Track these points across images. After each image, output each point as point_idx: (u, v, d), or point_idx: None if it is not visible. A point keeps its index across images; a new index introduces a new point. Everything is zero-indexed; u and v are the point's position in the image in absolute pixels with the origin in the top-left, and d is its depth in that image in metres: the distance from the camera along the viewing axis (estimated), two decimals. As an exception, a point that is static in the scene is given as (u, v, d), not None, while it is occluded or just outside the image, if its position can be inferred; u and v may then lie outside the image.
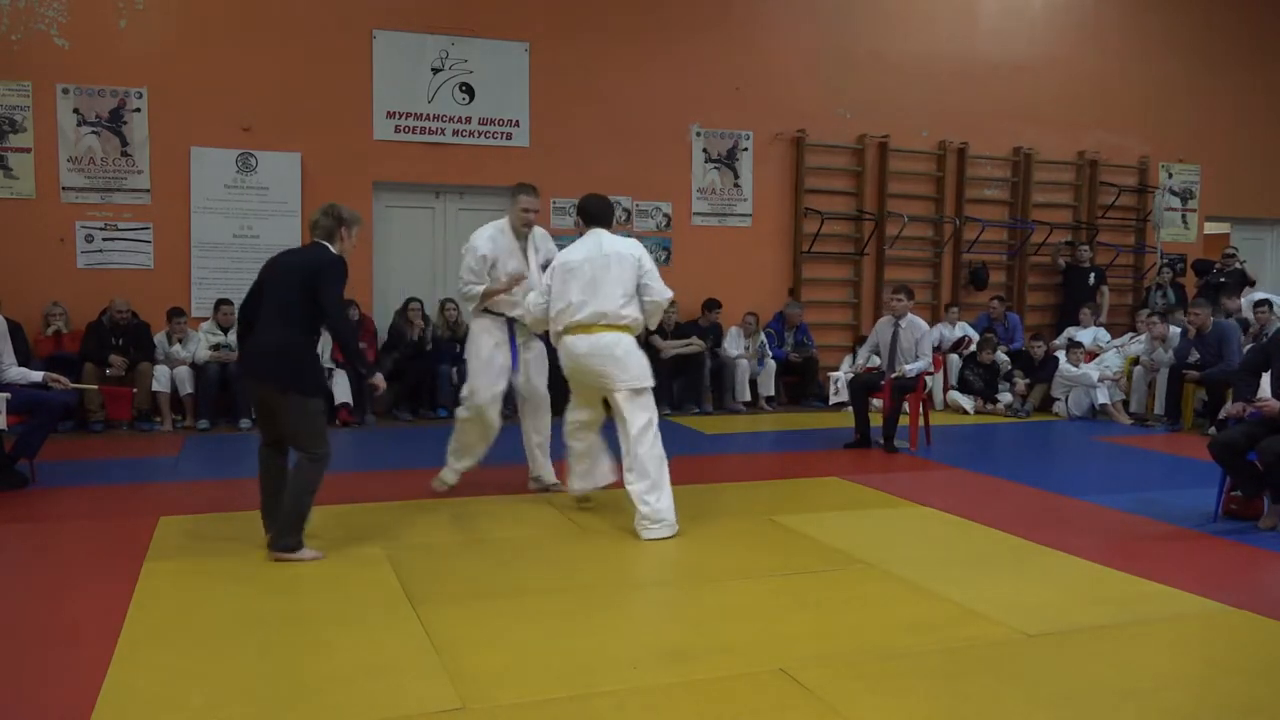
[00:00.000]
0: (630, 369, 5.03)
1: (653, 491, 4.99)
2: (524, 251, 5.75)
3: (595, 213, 5.27)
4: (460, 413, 5.79)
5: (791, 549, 4.86)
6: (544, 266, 5.52)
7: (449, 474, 5.86)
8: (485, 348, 5.68)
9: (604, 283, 5.02)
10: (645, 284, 5.10)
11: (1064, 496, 6.11)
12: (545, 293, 5.22)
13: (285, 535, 4.40)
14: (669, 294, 5.20)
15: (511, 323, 5.72)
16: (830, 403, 8.90)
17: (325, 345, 8.85)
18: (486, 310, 5.71)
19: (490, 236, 5.70)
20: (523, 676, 3.23)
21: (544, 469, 5.99)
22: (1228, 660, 3.51)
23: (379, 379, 4.76)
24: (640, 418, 5.05)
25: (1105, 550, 4.78)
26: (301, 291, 4.40)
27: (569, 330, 5.08)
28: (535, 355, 5.88)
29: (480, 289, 5.62)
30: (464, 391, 5.78)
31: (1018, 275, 11.63)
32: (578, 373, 5.16)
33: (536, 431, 5.92)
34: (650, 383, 5.13)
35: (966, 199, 11.28)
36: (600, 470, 5.50)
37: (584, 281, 5.03)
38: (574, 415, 5.38)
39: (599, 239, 5.17)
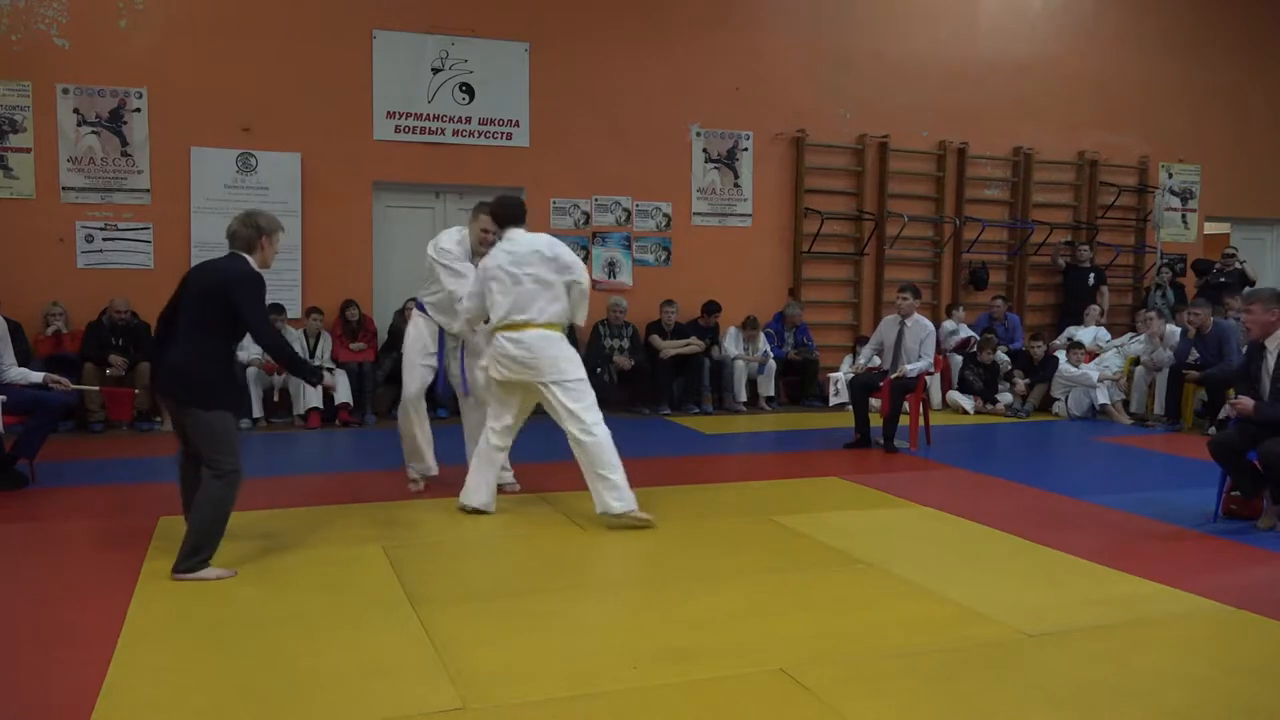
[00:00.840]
0: (560, 364, 5.13)
1: (616, 471, 5.08)
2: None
3: (506, 214, 5.33)
4: (398, 411, 5.94)
5: (791, 549, 4.86)
6: None
7: (412, 472, 5.98)
8: (415, 345, 5.83)
9: (524, 282, 5.11)
10: (569, 277, 5.20)
11: (1064, 496, 6.11)
12: (473, 297, 5.31)
13: (190, 555, 4.14)
14: (588, 279, 5.36)
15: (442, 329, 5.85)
16: (830, 403, 8.91)
17: (326, 347, 8.90)
18: (425, 311, 5.84)
19: (459, 241, 5.72)
20: (523, 676, 3.23)
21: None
22: (1228, 660, 3.51)
23: (329, 379, 4.69)
24: (581, 407, 5.12)
25: (1105, 550, 4.78)
26: (212, 306, 4.23)
27: (500, 328, 5.18)
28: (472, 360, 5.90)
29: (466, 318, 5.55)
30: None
31: (1018, 275, 11.63)
32: (507, 373, 5.22)
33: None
34: (581, 374, 5.21)
35: (966, 199, 11.28)
36: (503, 478, 5.73)
37: (506, 284, 5.13)
38: (498, 422, 5.38)
39: (514, 240, 5.25)
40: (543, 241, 5.25)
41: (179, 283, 4.47)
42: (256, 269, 4.37)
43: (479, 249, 5.61)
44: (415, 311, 5.96)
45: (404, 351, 5.96)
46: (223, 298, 4.20)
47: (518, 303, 5.11)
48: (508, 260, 5.17)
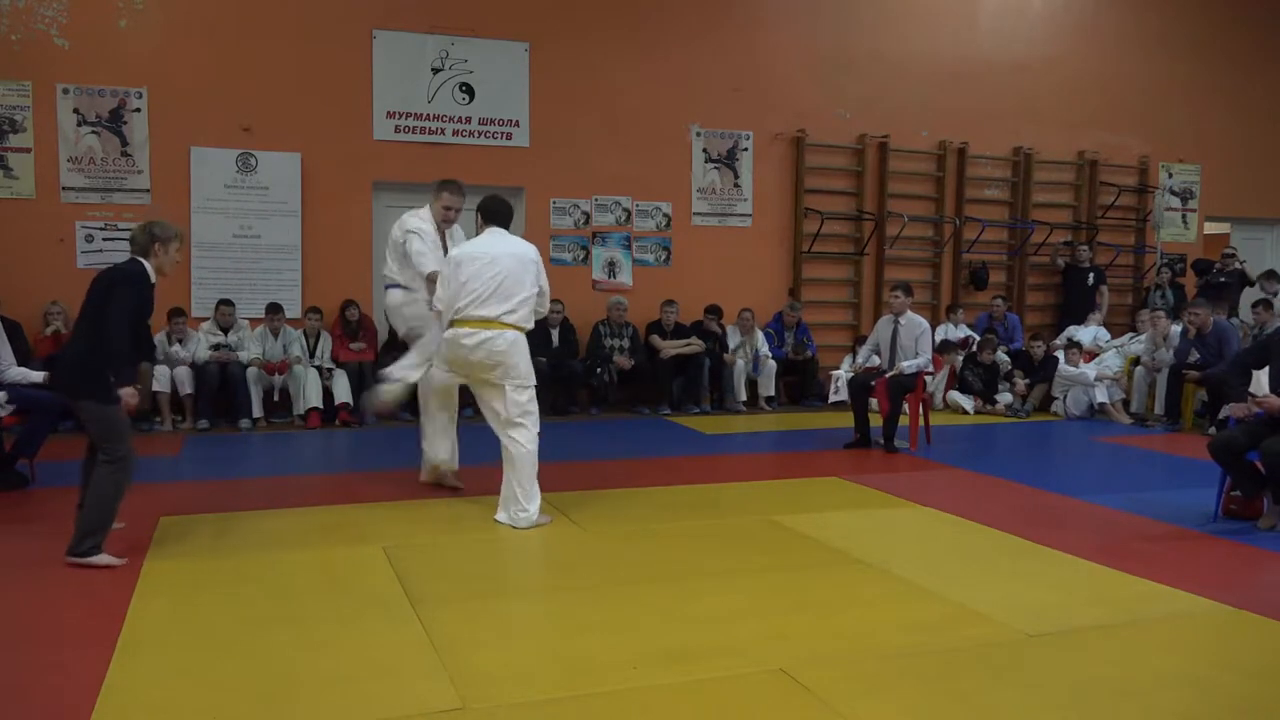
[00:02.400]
0: (520, 367, 5.21)
1: (532, 484, 5.25)
2: (444, 248, 5.82)
3: (495, 211, 5.40)
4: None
5: (791, 549, 4.86)
6: None
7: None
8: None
9: (505, 281, 5.15)
10: (542, 287, 5.32)
11: (1064, 496, 6.11)
12: (446, 284, 5.31)
13: (84, 539, 4.32)
14: (549, 291, 5.50)
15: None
16: (829, 400, 8.90)
17: (326, 347, 8.90)
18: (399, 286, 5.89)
19: (423, 220, 5.78)
20: (523, 676, 3.23)
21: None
22: (1228, 660, 3.51)
23: (128, 393, 4.52)
24: (531, 419, 5.28)
25: (1105, 550, 4.78)
26: (101, 302, 4.47)
27: (461, 322, 5.19)
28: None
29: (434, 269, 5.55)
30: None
31: (1018, 275, 11.63)
32: (461, 365, 5.29)
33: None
34: (534, 382, 5.32)
35: (966, 199, 11.28)
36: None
37: (485, 277, 5.15)
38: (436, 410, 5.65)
39: (500, 237, 5.32)
40: (523, 246, 5.34)
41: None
42: (148, 271, 4.58)
43: (442, 225, 5.81)
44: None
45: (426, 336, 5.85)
46: (107, 294, 4.45)
47: (489, 298, 5.15)
48: (485, 254, 5.22)
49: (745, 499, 6.00)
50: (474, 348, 5.15)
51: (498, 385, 5.19)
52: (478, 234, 5.44)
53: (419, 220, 5.80)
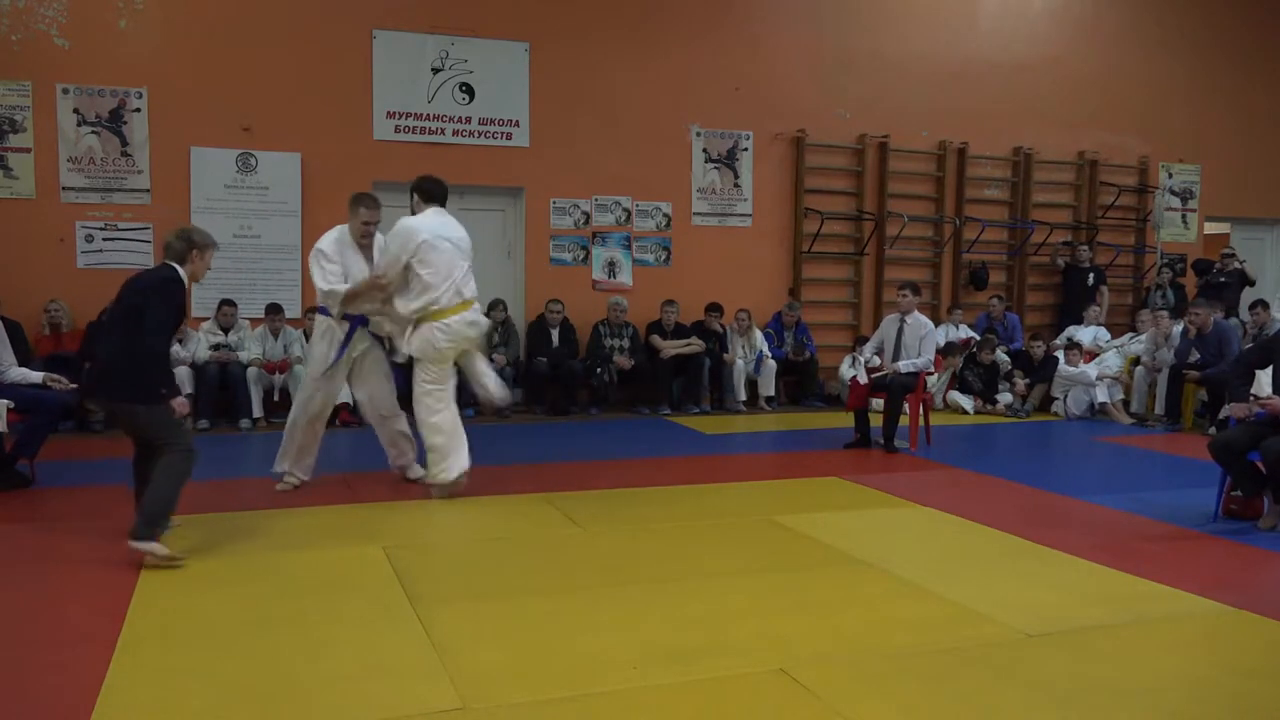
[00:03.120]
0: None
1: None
2: (367, 261, 5.82)
3: (433, 192, 5.66)
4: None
5: (791, 549, 4.86)
6: None
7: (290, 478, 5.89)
8: (320, 351, 5.85)
9: (468, 264, 5.61)
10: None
11: (1064, 496, 6.11)
12: (395, 264, 5.50)
13: (151, 524, 4.35)
14: None
15: (354, 329, 5.79)
16: (849, 377, 8.90)
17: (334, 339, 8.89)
18: (327, 312, 5.78)
19: (336, 239, 5.79)
20: (523, 676, 3.23)
21: (410, 458, 6.14)
22: (1228, 660, 3.51)
23: (179, 403, 4.65)
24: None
25: (1105, 550, 4.78)
26: (138, 311, 4.48)
27: (457, 308, 5.48)
28: (373, 359, 5.96)
29: (343, 288, 5.66)
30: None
31: (1018, 275, 11.63)
32: (454, 350, 5.58)
33: (401, 436, 6.10)
34: None
35: (966, 199, 11.28)
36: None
37: (458, 262, 5.51)
38: (446, 384, 5.66)
39: (445, 218, 5.62)
40: (463, 230, 5.68)
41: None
42: (183, 277, 4.63)
43: (361, 241, 5.80)
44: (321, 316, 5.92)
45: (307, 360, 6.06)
46: (144, 301, 4.47)
47: (465, 280, 5.54)
48: (447, 240, 5.48)
49: (745, 499, 6.00)
50: (471, 325, 5.59)
51: (478, 353, 5.75)
52: (414, 213, 5.65)
53: (326, 242, 5.79)
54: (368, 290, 5.67)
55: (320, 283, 5.67)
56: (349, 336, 5.77)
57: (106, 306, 4.71)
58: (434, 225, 5.54)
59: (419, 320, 5.53)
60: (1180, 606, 4.03)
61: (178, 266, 4.63)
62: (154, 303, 4.47)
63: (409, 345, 5.60)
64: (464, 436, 5.68)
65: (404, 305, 5.54)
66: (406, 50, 9.43)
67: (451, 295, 5.49)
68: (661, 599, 4.02)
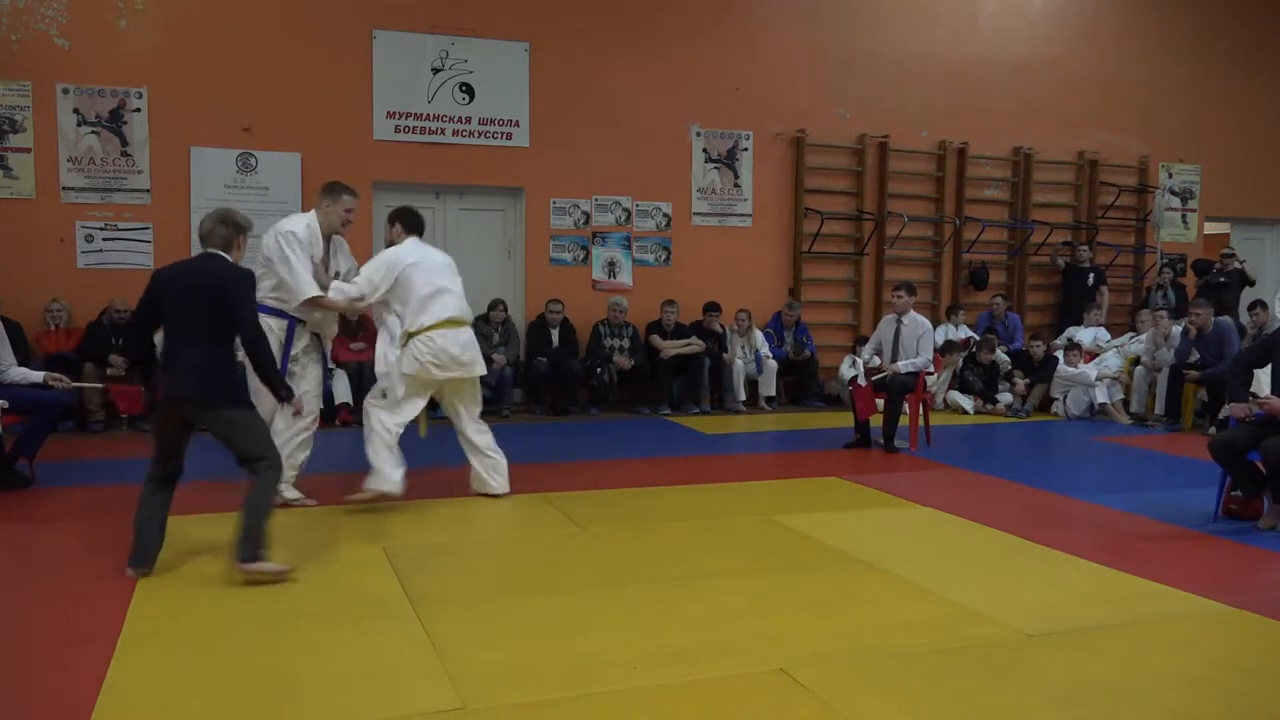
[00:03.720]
0: (480, 360, 5.63)
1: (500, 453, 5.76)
2: (328, 255, 5.55)
3: (418, 224, 5.68)
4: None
5: (791, 549, 4.86)
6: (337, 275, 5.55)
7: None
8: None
9: (455, 283, 5.56)
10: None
11: (1064, 496, 6.11)
12: (376, 282, 5.35)
13: (259, 545, 4.14)
14: None
15: (293, 327, 5.40)
16: (849, 380, 8.82)
17: (326, 347, 8.88)
18: (272, 310, 5.25)
19: (308, 225, 5.40)
20: (523, 676, 3.23)
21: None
22: (1228, 660, 3.51)
23: (298, 403, 4.68)
24: (479, 408, 5.76)
25: (1105, 550, 4.78)
26: (216, 306, 4.20)
27: (445, 324, 5.39)
28: (313, 358, 5.59)
29: (346, 300, 5.38)
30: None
31: (1018, 275, 11.63)
32: (442, 373, 5.43)
33: (305, 447, 5.60)
34: None
35: (966, 199, 11.28)
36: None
37: (435, 281, 5.42)
38: (398, 417, 5.45)
39: (429, 250, 5.60)
40: (444, 254, 5.69)
41: (152, 289, 4.34)
42: (244, 266, 4.43)
43: (338, 230, 5.56)
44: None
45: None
46: (223, 295, 4.19)
47: (453, 302, 5.47)
48: (430, 259, 5.47)
49: (745, 499, 6.00)
50: (464, 346, 5.46)
51: (469, 381, 5.57)
52: (394, 242, 5.58)
53: (298, 231, 5.31)
54: (344, 309, 5.65)
55: (337, 295, 5.35)
56: (291, 336, 5.39)
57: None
58: (418, 253, 5.48)
59: (408, 338, 5.38)
60: (1180, 606, 4.03)
61: (225, 255, 4.34)
62: (241, 296, 4.21)
63: (402, 364, 5.38)
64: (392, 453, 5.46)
65: (393, 327, 5.45)
66: (406, 50, 9.43)
67: (438, 311, 5.36)
68: (661, 599, 4.02)
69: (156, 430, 4.40)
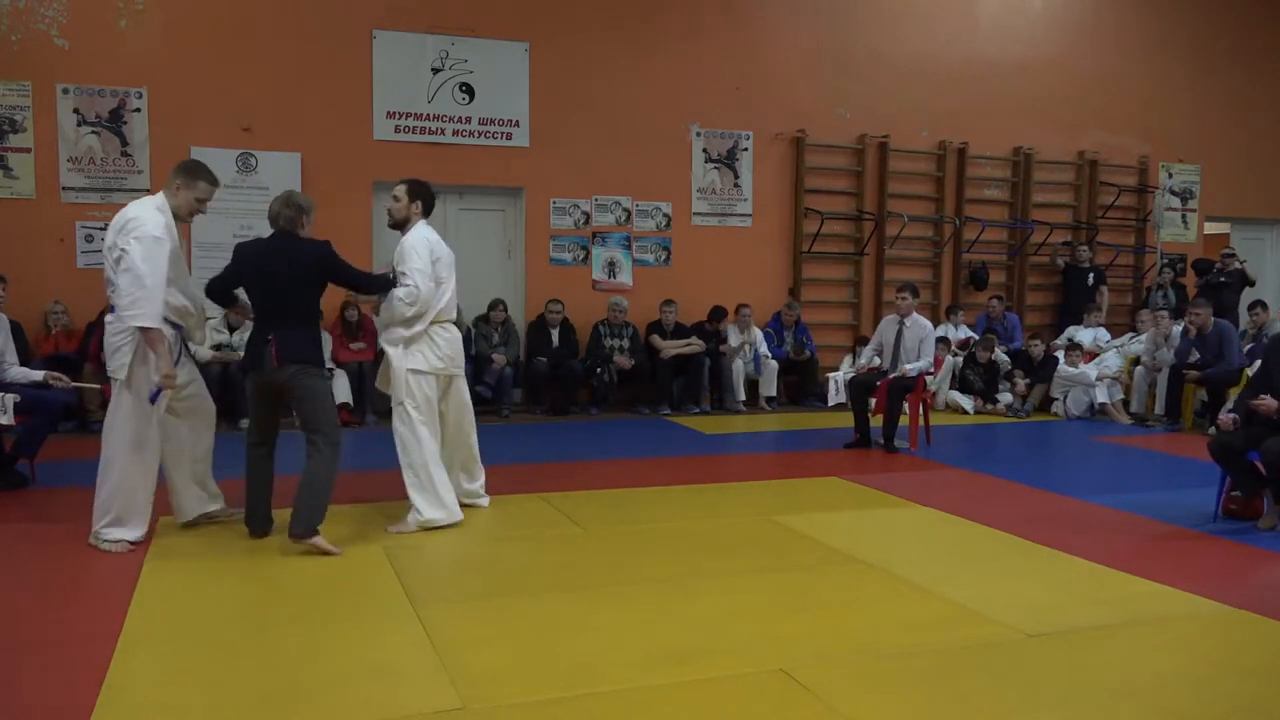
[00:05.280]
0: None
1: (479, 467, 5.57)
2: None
3: (432, 208, 5.31)
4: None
5: (792, 549, 4.86)
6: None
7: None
8: (143, 373, 4.72)
9: (453, 278, 5.30)
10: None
11: (1064, 496, 6.11)
12: (429, 280, 5.04)
13: (316, 520, 4.55)
14: None
15: (180, 331, 4.86)
16: (829, 403, 8.89)
17: (325, 348, 8.89)
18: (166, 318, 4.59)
19: (166, 224, 4.57)
20: (523, 676, 3.23)
21: (213, 491, 5.26)
22: (1228, 660, 3.51)
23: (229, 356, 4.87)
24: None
25: (1105, 550, 4.78)
26: (310, 286, 4.68)
27: (442, 322, 5.23)
28: (189, 369, 5.07)
29: (154, 325, 4.46)
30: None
31: (1018, 275, 11.63)
32: (444, 365, 5.22)
33: (198, 460, 5.17)
34: None
35: (966, 199, 11.28)
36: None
37: (448, 272, 5.22)
38: (428, 428, 5.11)
39: (438, 236, 5.28)
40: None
41: (236, 263, 4.78)
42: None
43: (185, 219, 4.78)
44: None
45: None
46: (319, 275, 4.69)
47: (453, 299, 5.30)
48: (446, 253, 5.25)
49: (745, 499, 6.00)
50: (447, 350, 5.20)
51: (457, 379, 5.37)
52: (407, 218, 5.14)
53: (155, 226, 4.49)
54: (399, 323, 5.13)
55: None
56: (182, 345, 4.92)
57: (228, 278, 4.79)
58: (439, 244, 5.19)
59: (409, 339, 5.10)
60: (1180, 606, 4.03)
61: (296, 234, 4.73)
62: (339, 266, 4.75)
63: (410, 360, 5.07)
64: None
65: (404, 326, 5.06)
66: (406, 50, 9.43)
67: (448, 310, 5.20)
68: (661, 599, 4.02)
69: (252, 403, 4.91)
